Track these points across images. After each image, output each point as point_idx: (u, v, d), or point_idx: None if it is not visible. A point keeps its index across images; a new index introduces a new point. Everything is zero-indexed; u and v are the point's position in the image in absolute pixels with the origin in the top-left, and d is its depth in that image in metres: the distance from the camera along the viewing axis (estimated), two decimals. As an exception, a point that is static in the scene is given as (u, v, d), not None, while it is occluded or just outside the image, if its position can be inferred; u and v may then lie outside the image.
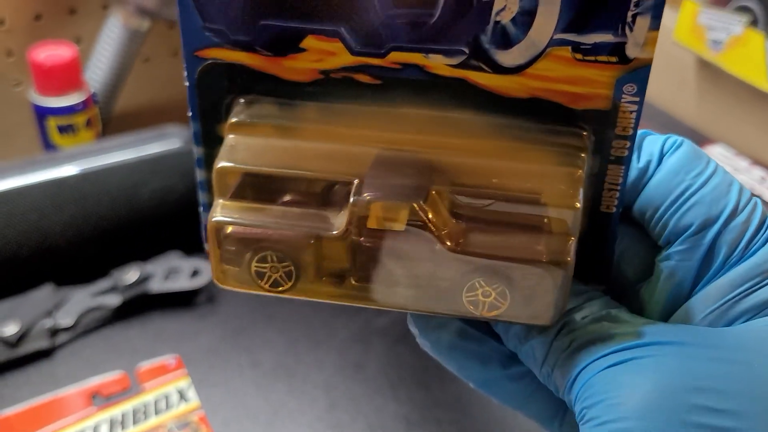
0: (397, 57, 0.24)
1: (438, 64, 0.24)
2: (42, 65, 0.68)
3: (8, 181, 0.57)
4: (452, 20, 0.24)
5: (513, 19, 0.23)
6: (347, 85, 0.25)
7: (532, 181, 0.24)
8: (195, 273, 0.59)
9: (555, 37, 0.23)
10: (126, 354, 0.55)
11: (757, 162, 0.69)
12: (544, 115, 0.25)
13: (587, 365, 0.24)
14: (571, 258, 0.24)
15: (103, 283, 0.58)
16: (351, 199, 0.24)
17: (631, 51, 0.23)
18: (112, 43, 0.75)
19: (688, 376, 0.23)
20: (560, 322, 0.25)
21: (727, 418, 0.22)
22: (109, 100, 0.78)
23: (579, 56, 0.24)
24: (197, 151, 0.27)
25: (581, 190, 0.24)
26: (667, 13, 0.73)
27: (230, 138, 0.26)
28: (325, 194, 0.26)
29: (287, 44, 0.25)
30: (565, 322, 0.25)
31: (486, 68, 0.24)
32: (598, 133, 0.25)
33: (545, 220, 0.24)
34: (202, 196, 0.28)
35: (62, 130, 0.70)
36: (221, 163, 0.25)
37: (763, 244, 0.25)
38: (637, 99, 0.24)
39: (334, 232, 0.25)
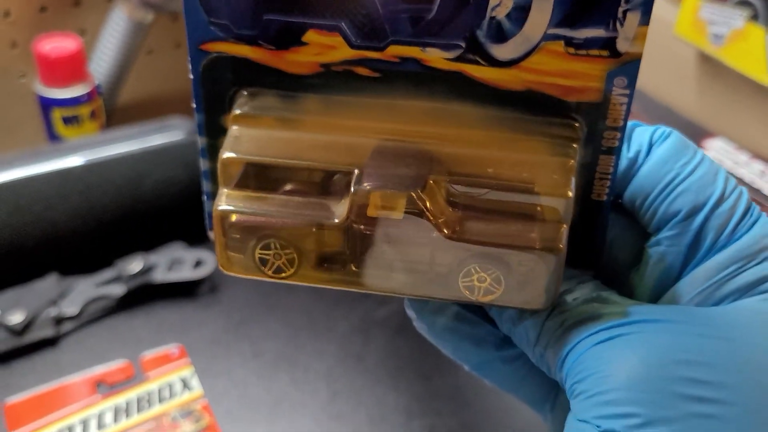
0: (395, 51, 0.25)
1: (435, 57, 0.25)
2: (47, 57, 0.68)
3: (14, 171, 0.57)
4: (450, 15, 0.24)
5: (508, 15, 0.24)
6: (347, 78, 0.26)
7: (526, 170, 0.25)
8: (198, 263, 0.59)
9: (548, 31, 0.24)
10: (130, 343, 0.55)
11: (757, 156, 0.69)
12: (537, 107, 0.25)
13: (577, 343, 0.25)
14: (563, 245, 0.24)
15: (108, 273, 0.58)
16: (351, 189, 0.25)
17: (622, 45, 0.24)
18: (117, 35, 0.75)
19: (674, 350, 0.23)
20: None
21: (711, 389, 0.23)
22: (113, 92, 0.78)
23: (571, 50, 0.24)
24: (201, 142, 0.28)
25: (573, 180, 0.25)
26: (669, 8, 0.73)
27: (234, 129, 0.26)
28: (326, 184, 0.26)
29: (289, 38, 0.25)
30: (557, 304, 0.26)
31: (482, 62, 0.25)
32: (589, 124, 0.25)
33: (538, 208, 0.25)
34: (205, 185, 0.28)
35: (67, 121, 0.70)
36: (226, 154, 0.26)
37: (749, 229, 0.26)
38: (628, 92, 0.25)
39: (336, 221, 0.25)
